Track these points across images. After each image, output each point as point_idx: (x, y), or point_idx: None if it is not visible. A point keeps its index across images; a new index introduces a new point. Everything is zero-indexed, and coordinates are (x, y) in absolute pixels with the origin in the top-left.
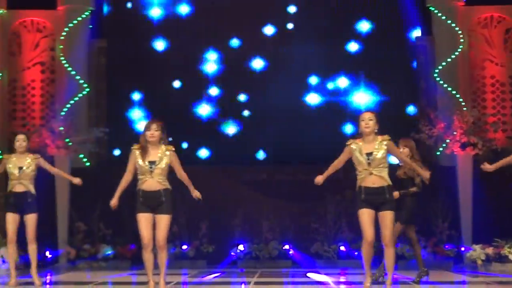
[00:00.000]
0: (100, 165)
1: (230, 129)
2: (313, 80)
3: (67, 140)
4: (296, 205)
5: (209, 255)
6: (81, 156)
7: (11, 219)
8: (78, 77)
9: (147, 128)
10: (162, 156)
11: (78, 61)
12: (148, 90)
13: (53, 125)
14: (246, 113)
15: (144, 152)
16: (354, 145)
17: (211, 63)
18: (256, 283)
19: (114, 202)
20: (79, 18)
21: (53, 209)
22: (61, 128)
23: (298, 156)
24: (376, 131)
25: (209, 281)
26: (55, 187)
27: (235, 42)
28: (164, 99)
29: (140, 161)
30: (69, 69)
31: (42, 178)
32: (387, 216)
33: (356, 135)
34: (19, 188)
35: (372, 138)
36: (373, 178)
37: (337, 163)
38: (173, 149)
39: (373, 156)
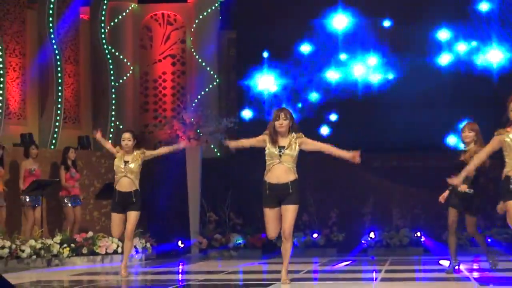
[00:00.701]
0: (230, 155)
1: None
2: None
3: (198, 130)
4: (427, 192)
5: (339, 243)
6: (212, 146)
7: (118, 221)
8: (208, 69)
9: (276, 117)
10: (291, 143)
11: (208, 53)
12: (277, 80)
13: (184, 116)
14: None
15: (272, 139)
16: (505, 136)
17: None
18: (387, 271)
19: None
20: (209, 10)
21: (185, 200)
22: (192, 119)
23: (428, 141)
24: None
25: (340, 269)
26: (186, 179)
27: None
28: (294, 83)
29: (270, 146)
30: (200, 60)
31: (174, 171)
32: None
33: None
34: (124, 187)
35: None
36: None
37: (483, 155)
38: (303, 135)
39: None
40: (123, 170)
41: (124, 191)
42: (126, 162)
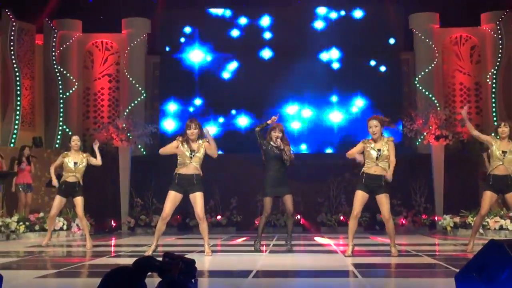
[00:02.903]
0: (153, 153)
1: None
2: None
3: (128, 134)
4: (306, 184)
5: (237, 223)
6: (139, 146)
7: (59, 202)
8: (137, 85)
9: (188, 127)
10: (200, 147)
11: (137, 73)
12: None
13: (117, 123)
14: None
15: (187, 143)
16: (367, 145)
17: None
18: (274, 245)
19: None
20: (138, 40)
21: (117, 189)
22: (124, 125)
23: (311, 146)
24: (381, 133)
25: (238, 243)
26: (119, 172)
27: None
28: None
29: (183, 149)
30: (130, 79)
31: (110, 165)
32: (382, 198)
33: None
34: (71, 179)
35: (379, 139)
36: (377, 168)
37: (354, 151)
38: (207, 140)
39: (382, 151)
40: (73, 170)
41: (70, 182)
42: (75, 164)
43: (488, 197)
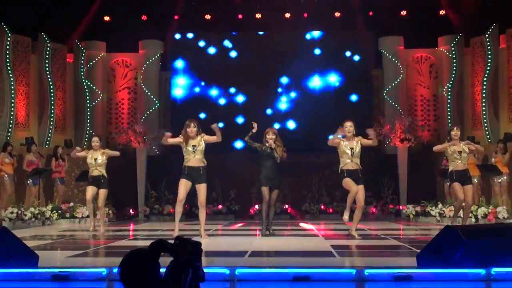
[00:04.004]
0: (165, 153)
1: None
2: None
3: (145, 137)
4: (293, 179)
5: (236, 211)
6: (154, 147)
7: (90, 190)
8: (152, 97)
9: (187, 126)
10: (200, 142)
11: (152, 86)
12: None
13: (135, 128)
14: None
15: (187, 141)
16: (341, 142)
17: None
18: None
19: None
20: (153, 58)
21: (135, 183)
22: (141, 130)
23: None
24: (354, 133)
25: (236, 228)
26: (136, 169)
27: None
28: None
29: (186, 145)
30: (146, 91)
31: (129, 163)
32: (361, 188)
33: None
34: (95, 173)
35: (351, 138)
36: (352, 163)
37: (332, 142)
38: (204, 135)
39: (354, 149)
40: (94, 165)
41: (94, 175)
42: (95, 159)
43: (458, 188)
